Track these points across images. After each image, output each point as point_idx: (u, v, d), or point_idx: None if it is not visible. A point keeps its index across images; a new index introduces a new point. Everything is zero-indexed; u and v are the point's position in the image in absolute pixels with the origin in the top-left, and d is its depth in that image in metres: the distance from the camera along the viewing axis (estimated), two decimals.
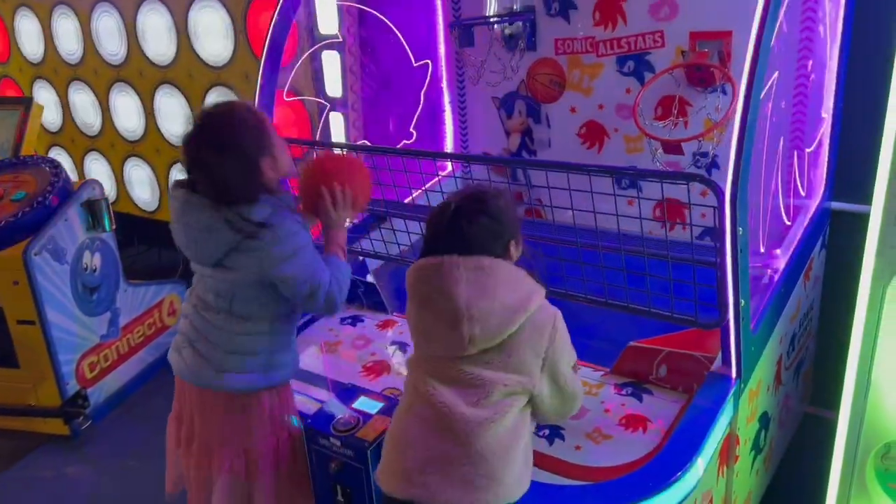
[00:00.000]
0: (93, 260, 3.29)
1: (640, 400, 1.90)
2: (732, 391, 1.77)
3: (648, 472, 1.63)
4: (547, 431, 1.82)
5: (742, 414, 1.87)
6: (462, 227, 1.44)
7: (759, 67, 1.48)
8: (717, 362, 1.84)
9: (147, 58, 3.87)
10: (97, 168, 4.57)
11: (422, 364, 1.52)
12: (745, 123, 1.50)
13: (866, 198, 2.38)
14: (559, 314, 1.50)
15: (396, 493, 1.47)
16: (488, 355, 1.44)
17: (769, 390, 2.14)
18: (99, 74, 4.21)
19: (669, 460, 1.63)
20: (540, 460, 1.71)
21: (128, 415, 3.41)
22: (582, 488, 1.64)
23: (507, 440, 1.44)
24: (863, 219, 2.38)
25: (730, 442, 1.84)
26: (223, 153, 1.66)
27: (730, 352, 1.76)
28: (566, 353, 1.53)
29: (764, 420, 2.13)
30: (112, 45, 4.03)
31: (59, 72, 4.47)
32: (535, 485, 1.62)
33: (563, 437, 1.80)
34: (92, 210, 3.24)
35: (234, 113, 1.72)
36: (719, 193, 1.52)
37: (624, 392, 1.94)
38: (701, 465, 1.64)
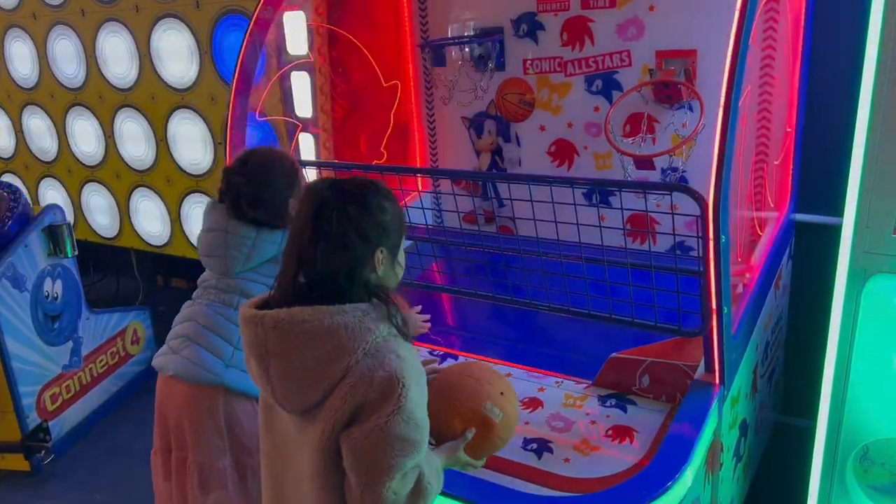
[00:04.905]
0: (54, 287, 3.19)
1: (625, 411, 1.91)
2: (717, 398, 1.79)
3: (640, 482, 1.63)
4: (535, 446, 1.81)
5: (725, 421, 1.89)
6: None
7: (737, 76, 1.52)
8: (699, 370, 1.86)
9: (107, 80, 3.80)
10: (52, 195, 4.45)
11: None
12: (725, 133, 1.53)
13: (829, 209, 2.48)
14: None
15: None
16: None
17: (748, 398, 2.17)
18: (55, 98, 4.12)
19: (660, 469, 1.64)
20: (530, 474, 1.70)
21: (92, 448, 3.27)
22: (574, 500, 1.63)
23: None
24: (826, 229, 2.48)
25: (715, 449, 1.86)
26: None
27: (713, 359, 1.78)
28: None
29: (743, 427, 2.17)
30: (69, 68, 3.95)
31: (12, 96, 4.36)
32: (527, 498, 1.62)
33: (551, 451, 1.80)
34: (54, 235, 3.15)
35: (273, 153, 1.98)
36: (702, 202, 1.55)
37: (608, 403, 1.95)
38: (690, 473, 1.66)
